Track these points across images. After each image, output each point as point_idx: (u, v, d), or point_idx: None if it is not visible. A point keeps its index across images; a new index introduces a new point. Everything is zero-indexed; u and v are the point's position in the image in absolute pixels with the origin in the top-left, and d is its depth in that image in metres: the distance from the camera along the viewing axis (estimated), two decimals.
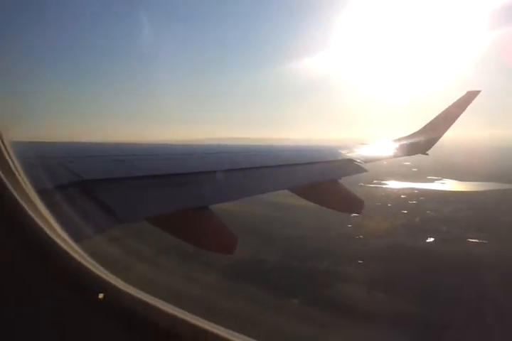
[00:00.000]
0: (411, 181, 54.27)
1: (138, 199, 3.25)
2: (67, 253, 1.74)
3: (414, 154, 9.66)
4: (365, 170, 6.92)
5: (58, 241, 1.75)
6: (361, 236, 30.36)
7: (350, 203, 5.77)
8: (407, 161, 67.39)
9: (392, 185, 52.52)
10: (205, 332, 1.62)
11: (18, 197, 1.68)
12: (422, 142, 9.98)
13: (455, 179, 57.06)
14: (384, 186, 51.77)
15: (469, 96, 10.48)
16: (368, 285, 21.48)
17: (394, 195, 45.19)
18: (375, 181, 52.60)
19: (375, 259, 25.30)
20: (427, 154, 9.76)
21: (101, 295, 1.68)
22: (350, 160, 7.05)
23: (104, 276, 1.77)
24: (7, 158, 1.75)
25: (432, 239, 29.58)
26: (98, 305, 1.68)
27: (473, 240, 29.14)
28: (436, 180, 57.60)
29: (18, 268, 1.66)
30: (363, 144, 9.60)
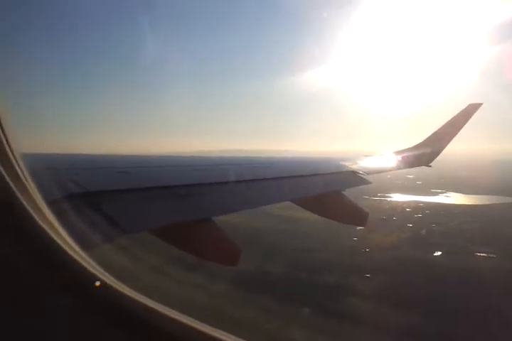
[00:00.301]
0: (415, 194, 54.13)
1: (141, 211, 3.28)
2: (75, 261, 1.77)
3: (418, 166, 9.63)
4: (369, 182, 6.87)
5: (67, 249, 1.78)
6: (367, 250, 30.08)
7: (355, 215, 5.69)
8: (411, 174, 67.88)
9: (397, 198, 52.35)
10: (204, 334, 1.64)
11: (27, 206, 1.71)
12: (425, 154, 9.96)
13: (459, 192, 56.84)
14: (389, 199, 51.60)
15: (471, 109, 10.56)
16: (375, 298, 21.16)
17: (399, 208, 44.99)
18: (379, 194, 52.52)
19: (382, 272, 25.00)
20: (430, 166, 9.71)
21: (109, 303, 1.73)
22: (353, 172, 7.00)
23: (112, 284, 1.79)
24: (17, 168, 1.78)
25: (439, 253, 29.26)
26: (107, 312, 1.70)
27: (481, 254, 28.78)
28: (441, 193, 57.40)
29: (27, 276, 1.68)
30: (365, 156, 9.56)
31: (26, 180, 1.82)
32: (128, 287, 1.83)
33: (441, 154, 9.93)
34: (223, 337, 1.66)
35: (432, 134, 10.64)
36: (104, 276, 1.80)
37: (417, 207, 46.42)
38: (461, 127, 10.42)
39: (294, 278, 24.56)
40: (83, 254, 1.86)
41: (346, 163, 7.67)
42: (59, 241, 1.77)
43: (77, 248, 1.86)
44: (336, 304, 20.76)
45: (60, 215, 2.10)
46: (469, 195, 54.63)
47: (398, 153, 10.30)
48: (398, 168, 9.40)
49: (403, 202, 49.34)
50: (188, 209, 3.65)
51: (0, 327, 1.59)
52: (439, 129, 10.61)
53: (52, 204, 2.13)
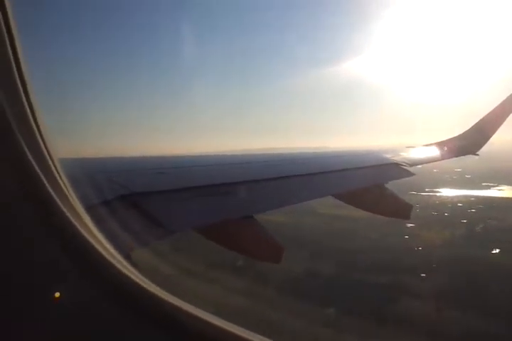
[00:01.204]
0: (466, 188, 51.98)
1: (184, 210, 3.31)
2: (116, 268, 1.78)
3: (464, 155, 9.36)
4: (412, 174, 6.69)
5: (108, 257, 1.79)
6: (420, 248, 29.19)
7: (398, 208, 5.61)
8: (459, 167, 65.48)
9: (446, 192, 50.47)
10: (227, 332, 1.65)
11: (67, 214, 1.73)
12: (472, 143, 9.67)
13: None
14: (438, 194, 49.84)
15: None
16: (435, 300, 20.48)
17: (450, 204, 43.36)
18: (427, 189, 50.86)
19: (439, 272, 24.21)
20: (478, 154, 9.43)
21: (151, 310, 1.73)
22: (396, 164, 6.85)
23: (153, 291, 1.77)
24: (56, 175, 1.80)
25: (497, 250, 28.00)
26: (149, 320, 1.71)
27: None
28: (493, 186, 54.82)
29: (68, 283, 1.69)
30: (408, 147, 9.38)
31: (66, 186, 1.83)
32: (173, 294, 1.81)
33: (487, 145, 9.58)
34: (248, 336, 1.68)
35: (479, 121, 10.23)
36: (144, 283, 1.79)
37: (469, 201, 44.55)
38: (509, 114, 9.95)
39: (348, 279, 24.21)
40: (124, 262, 1.87)
41: (388, 155, 7.49)
42: (98, 246, 1.77)
43: (118, 255, 1.87)
44: (395, 306, 20.28)
45: (100, 219, 2.14)
46: None
47: (443, 143, 9.99)
48: (444, 157, 9.11)
49: (453, 197, 47.48)
50: (230, 207, 3.66)
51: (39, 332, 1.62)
52: (486, 116, 10.18)
53: (91, 208, 2.15)
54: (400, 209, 5.68)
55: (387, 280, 23.33)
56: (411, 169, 6.91)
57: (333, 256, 27.70)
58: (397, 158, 7.30)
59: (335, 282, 23.79)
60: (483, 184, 55.53)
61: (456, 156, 9.41)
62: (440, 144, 9.90)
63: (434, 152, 9.36)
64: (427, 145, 10.07)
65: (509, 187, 53.49)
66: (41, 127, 1.75)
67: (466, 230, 32.49)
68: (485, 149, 9.73)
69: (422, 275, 23.94)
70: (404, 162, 7.06)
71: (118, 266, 1.80)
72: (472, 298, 20.37)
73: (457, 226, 33.50)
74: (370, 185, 5.68)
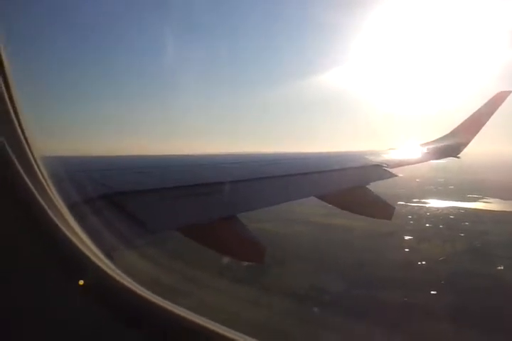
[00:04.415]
0: (452, 200, 52.09)
1: (165, 210, 3.27)
2: (98, 267, 1.75)
3: (445, 157, 9.38)
4: (394, 175, 6.75)
5: (90, 255, 1.76)
6: (423, 262, 28.34)
7: (381, 209, 5.60)
8: (441, 178, 65.99)
9: (434, 204, 50.33)
10: (206, 329, 1.63)
11: (48, 211, 1.70)
12: (453, 145, 9.79)
13: (497, 197, 54.55)
14: (426, 205, 49.65)
15: (500, 97, 10.24)
16: (454, 320, 19.49)
17: (441, 216, 43.03)
18: (414, 200, 50.71)
19: (450, 290, 23.36)
20: (459, 157, 9.43)
21: (133, 309, 1.71)
22: (378, 166, 6.91)
23: (136, 290, 1.73)
24: (38, 172, 1.77)
25: (501, 267, 27.44)
26: (132, 320, 1.69)
27: None
28: (478, 198, 55.14)
29: (49, 281, 1.67)
30: (390, 149, 9.34)
31: (47, 184, 1.81)
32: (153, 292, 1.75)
33: (464, 157, 9.51)
34: (228, 334, 1.64)
35: (460, 124, 10.33)
36: (124, 280, 1.75)
37: (460, 214, 44.45)
38: (490, 116, 10.14)
39: (353, 295, 23.04)
40: (107, 260, 1.84)
41: (371, 157, 7.52)
42: (81, 246, 1.74)
43: (100, 254, 1.83)
44: (414, 326, 19.18)
45: (81, 217, 2.11)
46: (509, 201, 52.28)
47: (425, 144, 9.96)
48: (425, 159, 9.05)
49: (443, 209, 47.28)
50: (212, 206, 3.64)
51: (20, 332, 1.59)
52: (468, 119, 10.28)
53: (73, 206, 2.11)
54: (382, 210, 5.63)
55: (397, 298, 22.24)
56: (393, 170, 6.93)
57: (334, 268, 26.51)
58: (379, 160, 7.35)
59: (340, 297, 22.66)
60: (468, 195, 55.89)
61: (438, 159, 9.37)
62: (422, 146, 9.86)
63: (416, 154, 9.31)
64: (408, 147, 10.14)
65: (494, 199, 53.95)
66: (23, 124, 1.73)
67: (467, 244, 31.92)
68: (462, 162, 9.71)
69: (433, 292, 23.06)
70: (386, 163, 7.08)
71: (100, 264, 1.76)
72: (490, 316, 19.53)
73: (457, 240, 32.96)
74: (353, 186, 5.70)
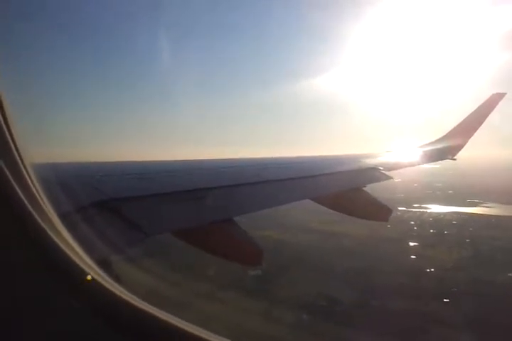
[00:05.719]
0: (452, 205, 51.85)
1: (161, 214, 3.25)
2: (88, 275, 1.72)
3: (442, 160, 9.29)
4: (390, 178, 6.70)
5: (81, 264, 1.74)
6: (432, 269, 27.81)
7: (377, 211, 5.53)
8: (439, 182, 65.85)
9: (435, 209, 50.06)
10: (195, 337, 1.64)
11: (39, 220, 1.68)
12: (449, 147, 9.76)
13: (497, 202, 54.40)
14: (428, 210, 49.35)
15: (495, 99, 10.30)
16: (472, 329, 18.96)
17: (444, 221, 42.67)
18: (415, 205, 50.42)
19: (462, 297, 22.86)
20: (455, 159, 9.38)
21: (124, 317, 1.69)
22: (374, 168, 6.89)
23: (126, 298, 1.71)
24: (28, 180, 1.75)
25: None
26: (124, 328, 1.68)
27: None
28: (479, 203, 54.94)
29: (40, 291, 1.66)
30: (387, 152, 9.30)
31: (38, 192, 1.78)
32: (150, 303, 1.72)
33: (459, 161, 9.44)
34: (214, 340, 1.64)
35: (456, 126, 10.29)
36: (121, 292, 1.73)
37: (462, 219, 44.12)
38: (485, 118, 10.17)
39: (364, 304, 22.47)
40: (99, 270, 1.80)
41: (367, 160, 7.52)
42: (72, 255, 1.72)
43: (91, 263, 1.80)
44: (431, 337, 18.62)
45: (74, 225, 2.14)
46: (509, 206, 52.08)
47: (421, 147, 9.98)
48: (421, 162, 9.04)
49: (445, 214, 46.99)
50: (208, 210, 3.62)
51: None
52: (462, 121, 10.26)
53: (65, 213, 2.11)
54: (380, 213, 5.54)
55: (409, 307, 21.68)
56: (390, 173, 6.89)
57: (342, 277, 25.92)
58: (375, 162, 7.31)
59: (351, 307, 22.08)
60: (468, 200, 55.69)
61: (434, 161, 9.27)
62: (418, 148, 9.88)
63: (412, 156, 9.32)
64: (404, 149, 10.08)
65: (495, 204, 53.77)
66: (13, 132, 1.71)
67: (474, 251, 31.46)
68: (457, 165, 9.63)
69: (445, 300, 22.54)
70: (382, 166, 7.03)
71: (91, 272, 1.74)
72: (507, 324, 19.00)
73: (463, 246, 32.52)
74: (348, 188, 5.64)
